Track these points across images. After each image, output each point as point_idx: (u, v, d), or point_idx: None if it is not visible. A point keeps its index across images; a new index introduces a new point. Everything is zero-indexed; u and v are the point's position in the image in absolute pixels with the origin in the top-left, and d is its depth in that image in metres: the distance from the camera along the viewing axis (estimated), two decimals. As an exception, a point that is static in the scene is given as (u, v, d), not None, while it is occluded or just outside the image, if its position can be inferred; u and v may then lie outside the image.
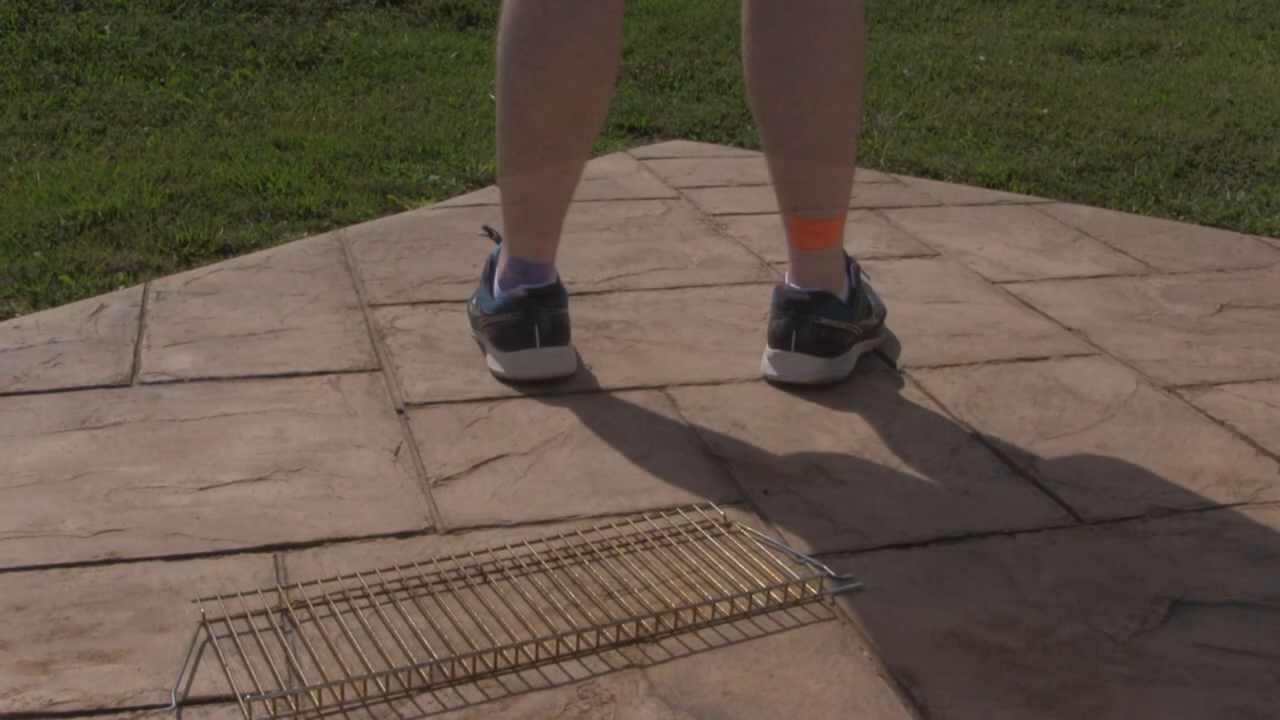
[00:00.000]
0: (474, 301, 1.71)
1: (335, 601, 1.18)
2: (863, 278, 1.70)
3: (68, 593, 1.18)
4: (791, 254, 1.63)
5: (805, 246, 1.61)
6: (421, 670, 1.08)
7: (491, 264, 1.69)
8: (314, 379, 1.62)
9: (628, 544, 1.28)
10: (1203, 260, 2.13)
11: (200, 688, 1.06)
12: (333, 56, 3.39)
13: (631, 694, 1.07)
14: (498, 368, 1.62)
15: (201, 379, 1.61)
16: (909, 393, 1.62)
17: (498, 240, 1.74)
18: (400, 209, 2.32)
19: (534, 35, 1.49)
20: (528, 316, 1.58)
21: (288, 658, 1.10)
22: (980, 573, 1.25)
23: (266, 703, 1.04)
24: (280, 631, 1.13)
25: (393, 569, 1.22)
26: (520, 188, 1.57)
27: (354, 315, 1.81)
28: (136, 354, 1.67)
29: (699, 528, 1.31)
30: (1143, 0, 4.32)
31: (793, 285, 1.62)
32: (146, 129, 2.77)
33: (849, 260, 1.68)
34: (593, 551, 1.26)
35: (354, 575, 1.21)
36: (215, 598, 1.17)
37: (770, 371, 1.62)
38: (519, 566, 1.24)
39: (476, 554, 1.25)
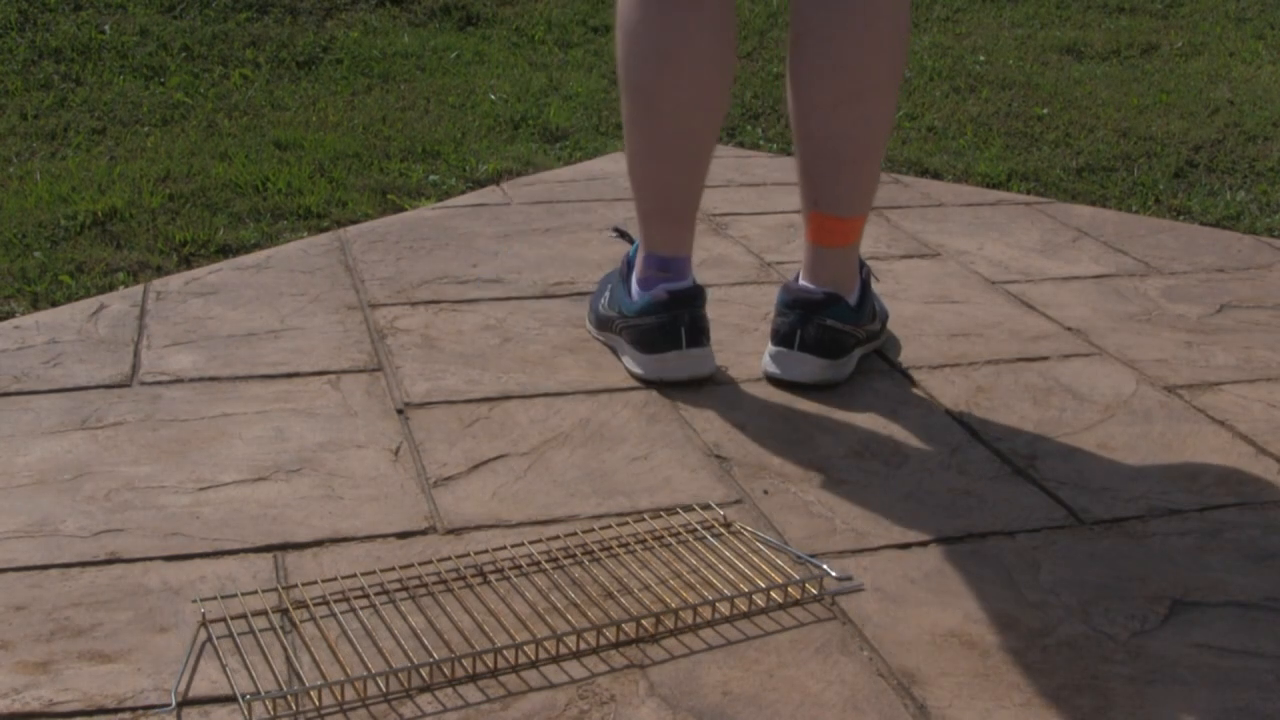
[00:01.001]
0: (604, 301, 1.69)
1: (335, 601, 1.18)
2: (872, 281, 1.69)
3: (68, 593, 1.18)
4: (808, 250, 1.63)
5: (822, 243, 1.61)
6: (421, 670, 1.08)
7: (628, 264, 1.68)
8: (314, 379, 1.62)
9: (628, 544, 1.28)
10: (1203, 260, 2.13)
11: (200, 688, 1.06)
12: (333, 56, 3.39)
13: (631, 694, 1.07)
14: (639, 369, 1.62)
15: (201, 379, 1.61)
16: (909, 393, 1.62)
17: (631, 241, 1.72)
18: (400, 209, 2.32)
19: (658, 24, 1.50)
20: (673, 319, 1.59)
21: (288, 658, 1.10)
22: (980, 573, 1.25)
23: (266, 703, 1.04)
24: (280, 631, 1.13)
25: (393, 569, 1.22)
26: (656, 178, 1.58)
27: (354, 315, 1.81)
28: (136, 354, 1.67)
29: (699, 528, 1.31)
30: (1143, 0, 4.32)
31: (805, 284, 1.62)
32: (146, 129, 2.77)
33: (862, 264, 1.68)
34: (593, 551, 1.26)
35: (354, 575, 1.21)
36: (215, 598, 1.17)
37: (772, 369, 1.62)
38: (519, 566, 1.24)
39: (476, 554, 1.25)
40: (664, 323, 1.59)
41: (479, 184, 2.47)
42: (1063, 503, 1.38)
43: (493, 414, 1.54)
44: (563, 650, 1.12)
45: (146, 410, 1.52)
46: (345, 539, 1.27)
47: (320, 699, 1.05)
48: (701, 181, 1.60)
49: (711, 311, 1.85)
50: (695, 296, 1.61)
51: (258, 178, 2.42)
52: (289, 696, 1.05)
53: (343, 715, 1.04)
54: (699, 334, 1.60)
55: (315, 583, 1.20)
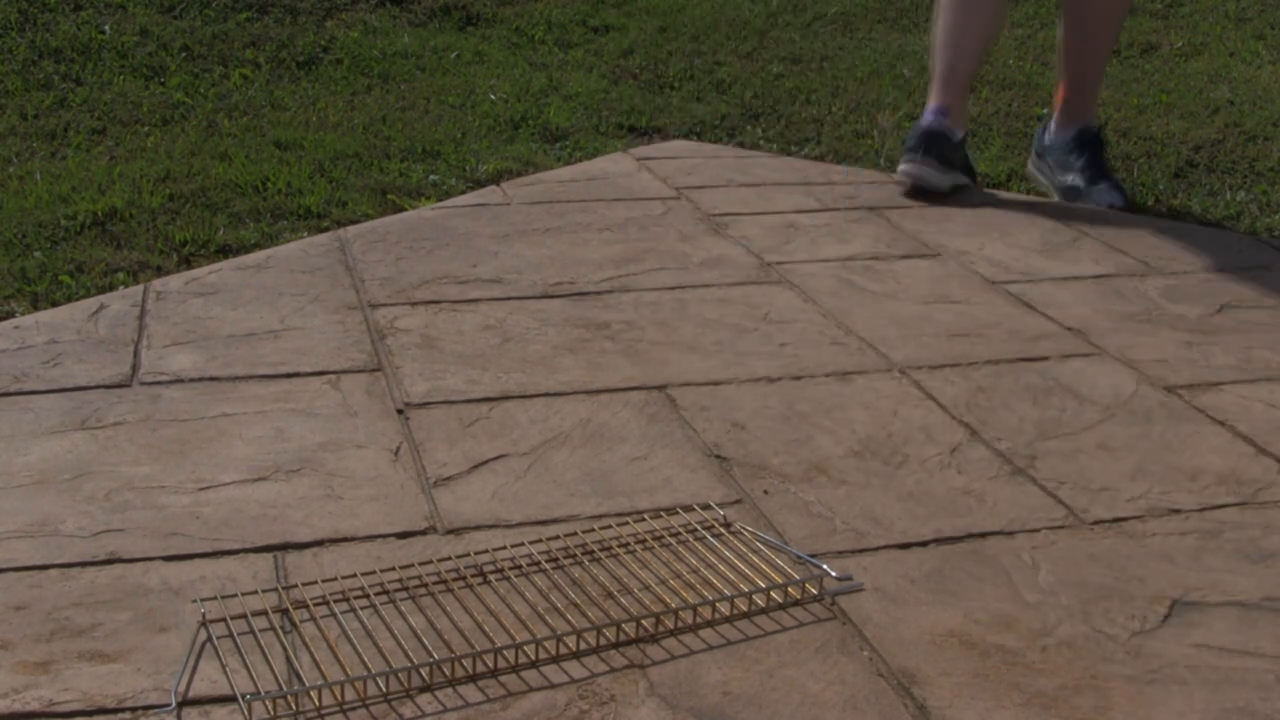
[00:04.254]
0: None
1: (335, 601, 1.18)
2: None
3: (68, 593, 1.18)
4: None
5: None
6: (421, 670, 1.08)
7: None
8: (314, 379, 1.62)
9: (628, 544, 1.28)
10: (1203, 260, 2.13)
11: (200, 688, 1.06)
12: (333, 56, 3.39)
13: (631, 694, 1.07)
14: (897, 176, 2.42)
15: (201, 379, 1.61)
16: (909, 393, 1.62)
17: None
18: (400, 209, 2.32)
19: None
20: (920, 139, 2.37)
21: (288, 658, 1.10)
22: (980, 573, 1.25)
23: (266, 703, 1.04)
24: (280, 631, 1.13)
25: (393, 569, 1.22)
26: (953, 40, 2.42)
27: (354, 315, 1.81)
28: (136, 354, 1.67)
29: (699, 528, 1.31)
30: (1143, 0, 4.32)
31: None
32: (146, 129, 2.77)
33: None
34: (593, 551, 1.26)
35: (354, 575, 1.21)
36: (215, 598, 1.17)
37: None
38: (519, 566, 1.24)
39: (476, 554, 1.25)
40: (914, 144, 2.37)
41: (479, 184, 2.47)
42: (1063, 503, 1.38)
43: (493, 414, 1.54)
44: (563, 650, 1.12)
45: (146, 410, 1.52)
46: (345, 539, 1.27)
47: (320, 699, 1.05)
48: (981, 56, 2.46)
49: (711, 311, 1.85)
50: (947, 136, 2.35)
51: (258, 178, 2.42)
52: (289, 696, 1.05)
53: (343, 715, 1.04)
54: (935, 154, 2.35)
55: (315, 583, 1.20)
